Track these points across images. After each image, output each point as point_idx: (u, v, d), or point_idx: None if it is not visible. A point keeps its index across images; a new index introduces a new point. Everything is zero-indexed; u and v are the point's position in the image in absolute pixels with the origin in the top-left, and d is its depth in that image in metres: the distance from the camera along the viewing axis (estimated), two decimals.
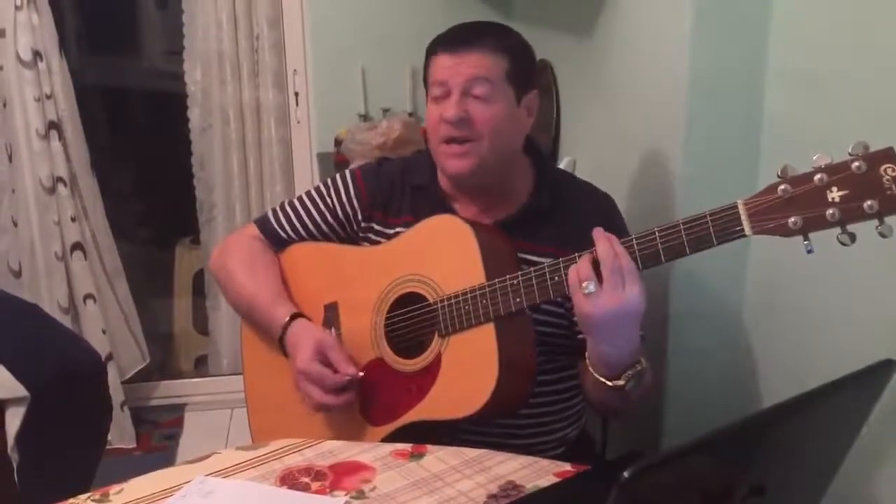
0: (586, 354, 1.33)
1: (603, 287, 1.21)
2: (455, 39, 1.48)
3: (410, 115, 2.81)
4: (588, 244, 1.25)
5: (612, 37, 2.00)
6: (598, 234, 1.25)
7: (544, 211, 1.52)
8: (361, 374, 1.46)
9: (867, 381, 0.92)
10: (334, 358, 1.45)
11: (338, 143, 2.69)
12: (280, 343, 1.52)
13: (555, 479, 1.23)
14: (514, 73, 1.47)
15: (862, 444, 0.99)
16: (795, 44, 1.51)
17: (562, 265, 1.29)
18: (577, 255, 1.27)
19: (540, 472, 1.25)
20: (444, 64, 1.47)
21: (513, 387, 1.38)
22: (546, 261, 1.33)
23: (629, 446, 1.89)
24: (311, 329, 1.51)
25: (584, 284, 1.22)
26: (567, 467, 1.27)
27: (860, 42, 1.34)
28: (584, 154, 2.18)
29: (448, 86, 1.46)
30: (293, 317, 1.52)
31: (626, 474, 0.73)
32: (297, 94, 2.95)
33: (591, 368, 1.32)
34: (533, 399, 1.46)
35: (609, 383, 1.30)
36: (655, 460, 0.77)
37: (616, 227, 1.53)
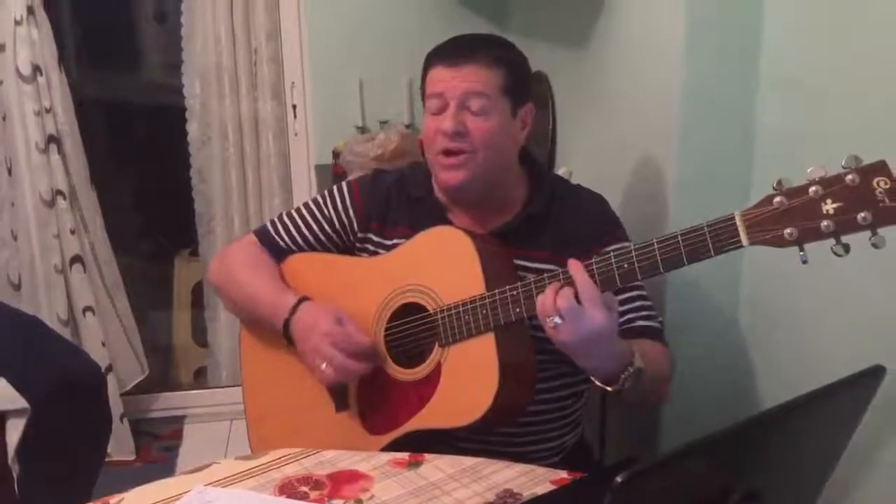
0: None
1: (565, 320, 1.25)
2: (452, 52, 1.49)
3: (408, 126, 2.82)
4: (583, 246, 1.27)
5: (608, 48, 2.01)
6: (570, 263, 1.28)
7: (539, 217, 1.53)
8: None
9: (858, 387, 0.93)
10: (350, 328, 1.45)
11: (336, 155, 2.70)
12: (285, 329, 1.51)
13: (551, 487, 1.24)
14: (510, 86, 1.48)
15: (854, 449, 1.00)
16: (788, 54, 1.52)
17: (561, 276, 1.30)
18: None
19: (537, 480, 1.26)
20: (441, 77, 1.48)
21: (513, 395, 1.39)
22: (544, 266, 1.35)
23: (626, 453, 1.89)
24: (324, 305, 1.50)
25: (548, 319, 1.26)
26: (563, 475, 1.28)
27: (852, 52, 1.36)
28: (580, 164, 2.20)
29: (445, 98, 1.47)
30: (301, 300, 1.51)
31: (620, 479, 0.73)
32: (294, 107, 2.97)
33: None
34: (531, 407, 1.46)
35: (609, 388, 1.32)
36: (650, 465, 0.78)
37: (612, 223, 1.55)
